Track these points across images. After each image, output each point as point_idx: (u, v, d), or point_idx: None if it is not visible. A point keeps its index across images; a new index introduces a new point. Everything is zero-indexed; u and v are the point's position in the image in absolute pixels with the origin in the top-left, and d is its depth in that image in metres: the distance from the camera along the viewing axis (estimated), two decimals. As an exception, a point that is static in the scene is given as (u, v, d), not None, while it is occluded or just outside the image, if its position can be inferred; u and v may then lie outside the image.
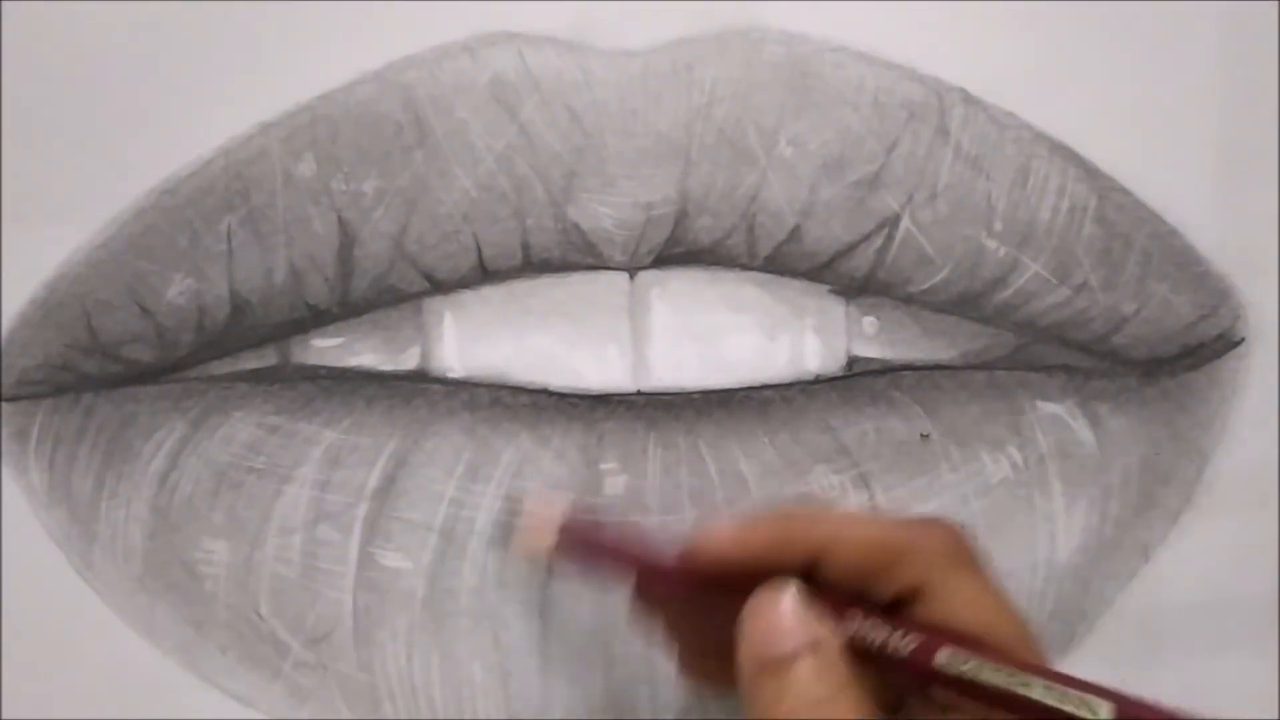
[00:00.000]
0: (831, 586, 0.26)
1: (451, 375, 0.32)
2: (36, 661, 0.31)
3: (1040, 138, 0.31)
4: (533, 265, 0.31)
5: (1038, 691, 0.23)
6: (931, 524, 0.27)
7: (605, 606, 0.31)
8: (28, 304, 0.31)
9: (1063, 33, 0.31)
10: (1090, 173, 0.31)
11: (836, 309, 0.32)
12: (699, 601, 0.27)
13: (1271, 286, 0.32)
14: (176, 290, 0.30)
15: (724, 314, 0.32)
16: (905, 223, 0.31)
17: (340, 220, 0.30)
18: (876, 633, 0.25)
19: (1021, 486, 0.32)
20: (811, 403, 0.32)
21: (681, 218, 0.31)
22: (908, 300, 0.31)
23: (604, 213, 0.30)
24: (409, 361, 0.32)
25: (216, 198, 0.30)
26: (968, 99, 0.31)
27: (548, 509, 0.29)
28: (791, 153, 0.30)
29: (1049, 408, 0.32)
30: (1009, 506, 0.32)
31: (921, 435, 0.32)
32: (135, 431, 0.31)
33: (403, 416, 0.31)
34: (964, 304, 0.31)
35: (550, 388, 0.32)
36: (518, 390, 0.31)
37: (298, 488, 0.31)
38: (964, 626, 0.25)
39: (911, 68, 0.31)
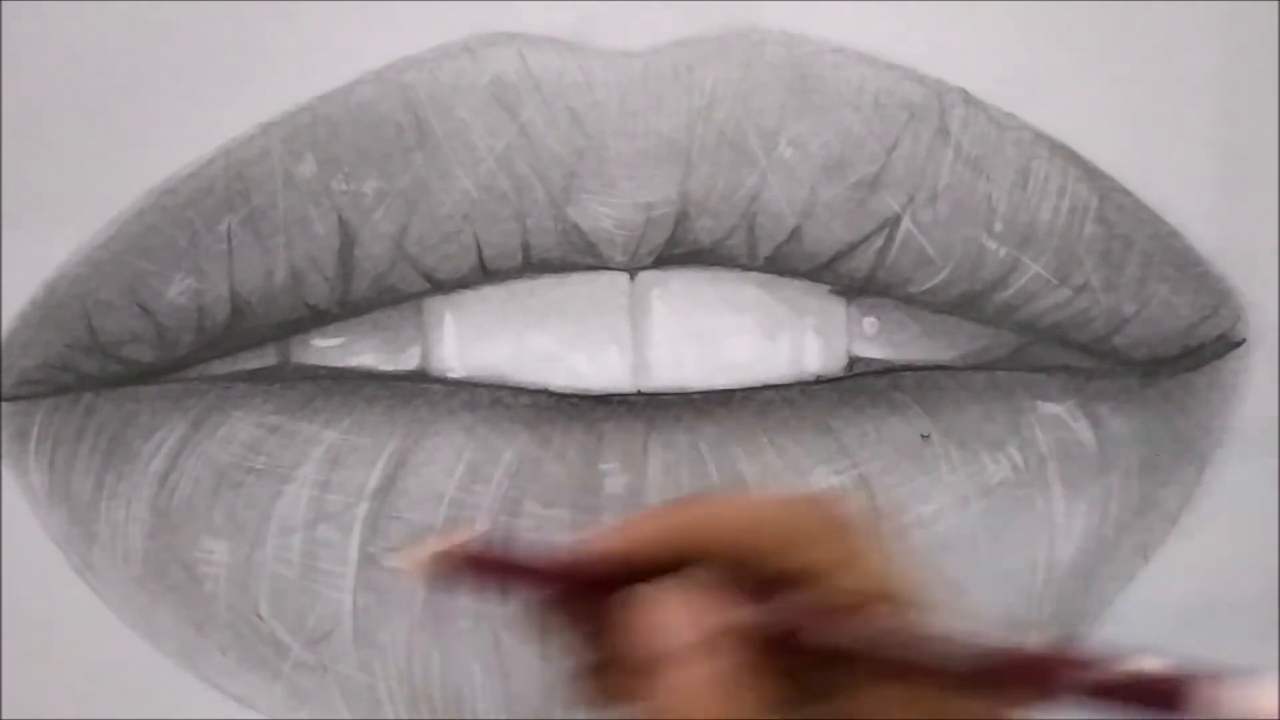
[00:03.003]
0: (718, 580, 0.24)
1: (451, 375, 0.32)
2: (36, 661, 0.31)
3: (1040, 138, 0.31)
4: (533, 265, 0.31)
5: (945, 644, 0.22)
6: (805, 500, 0.25)
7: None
8: (28, 304, 0.31)
9: (1063, 33, 0.31)
10: (1091, 173, 0.31)
11: (837, 309, 0.32)
12: (586, 608, 0.25)
13: (1272, 287, 0.32)
14: (177, 290, 0.30)
15: (724, 314, 0.32)
16: (906, 223, 0.31)
17: (340, 220, 0.30)
18: (769, 617, 0.23)
19: (1021, 487, 0.32)
20: (811, 403, 0.32)
21: (682, 218, 0.31)
22: (908, 300, 0.31)
23: (604, 213, 0.30)
24: (409, 361, 0.32)
25: (217, 198, 0.30)
26: (968, 100, 0.31)
27: (443, 540, 0.25)
28: (792, 154, 0.30)
29: (1049, 408, 0.32)
30: (1009, 507, 0.32)
31: (921, 436, 0.32)
32: (135, 431, 0.31)
33: (403, 416, 0.31)
34: (964, 304, 0.31)
35: (550, 388, 0.32)
36: (518, 390, 0.31)
37: (298, 488, 0.31)
38: (854, 596, 0.23)
39: (912, 69, 0.31)
